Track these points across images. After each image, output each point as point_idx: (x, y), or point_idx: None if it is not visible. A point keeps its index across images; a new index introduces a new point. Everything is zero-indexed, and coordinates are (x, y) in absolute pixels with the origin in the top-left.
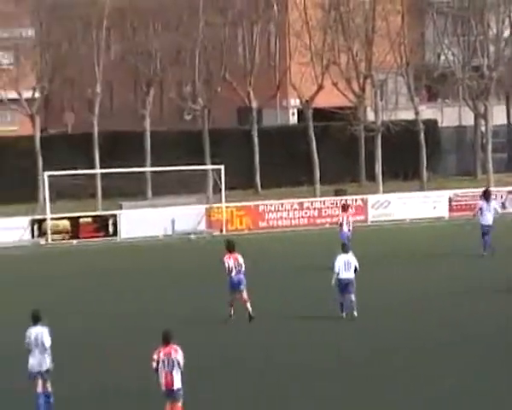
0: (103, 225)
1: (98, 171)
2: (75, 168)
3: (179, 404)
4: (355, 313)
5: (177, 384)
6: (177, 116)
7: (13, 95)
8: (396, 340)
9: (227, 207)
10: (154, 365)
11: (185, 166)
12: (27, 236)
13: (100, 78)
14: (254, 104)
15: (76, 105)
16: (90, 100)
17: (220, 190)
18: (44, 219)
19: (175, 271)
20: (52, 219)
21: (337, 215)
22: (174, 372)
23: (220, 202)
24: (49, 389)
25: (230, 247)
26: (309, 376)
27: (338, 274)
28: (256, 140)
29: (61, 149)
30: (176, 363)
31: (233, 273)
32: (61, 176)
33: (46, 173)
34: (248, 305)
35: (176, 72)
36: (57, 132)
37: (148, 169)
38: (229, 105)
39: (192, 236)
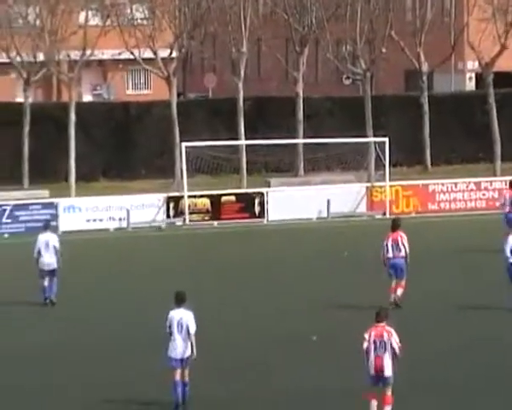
0: (248, 205)
1: (243, 142)
2: (216, 139)
3: (388, 393)
4: None
5: (387, 371)
6: (335, 80)
7: (148, 54)
8: None
9: (391, 186)
10: (365, 345)
11: (343, 138)
12: (162, 215)
13: (246, 35)
14: (425, 67)
15: (218, 66)
16: (234, 61)
17: (383, 166)
18: (181, 197)
19: (331, 257)
20: (190, 196)
21: None
22: (386, 356)
23: (383, 180)
24: (187, 378)
25: (394, 225)
26: None
27: None
28: (426, 109)
29: (200, 116)
30: (388, 347)
31: (390, 255)
32: (200, 147)
33: (183, 144)
34: (399, 291)
35: (334, 29)
36: (196, 97)
37: (300, 141)
38: (395, 68)
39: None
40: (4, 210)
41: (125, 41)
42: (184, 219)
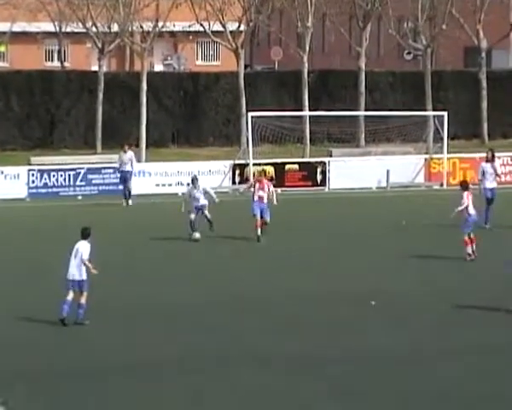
0: (311, 174)
1: (307, 113)
2: (281, 110)
3: None
4: None
5: None
6: (396, 55)
7: (217, 27)
8: None
9: (449, 158)
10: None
11: (403, 111)
12: (228, 181)
13: (312, 11)
14: (484, 44)
15: (284, 40)
16: (299, 35)
17: (442, 138)
18: (247, 165)
19: (390, 225)
20: (255, 164)
21: None
22: None
23: (441, 152)
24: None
25: (464, 185)
26: None
27: None
28: (484, 84)
29: (266, 87)
30: None
31: (470, 211)
32: (265, 117)
33: (250, 114)
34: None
35: (396, 6)
36: (263, 69)
37: (361, 113)
38: (454, 45)
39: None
40: (78, 173)
41: (196, 14)
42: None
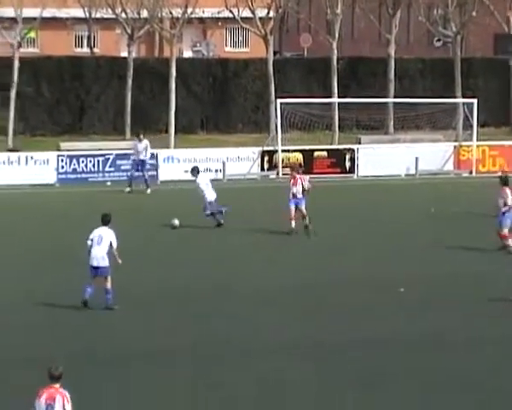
0: (339, 161)
1: (336, 100)
2: (310, 96)
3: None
4: None
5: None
6: (426, 43)
7: (246, 13)
8: None
9: (478, 145)
10: None
11: (432, 98)
12: (256, 168)
13: None
14: None
15: (313, 27)
16: (329, 22)
17: (471, 126)
18: (275, 151)
19: (419, 212)
20: (283, 151)
21: None
22: None
23: (471, 139)
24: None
25: (503, 181)
26: None
27: None
28: None
29: (295, 74)
30: None
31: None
32: (294, 104)
33: (279, 101)
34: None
35: None
36: (292, 56)
37: (390, 100)
38: (484, 31)
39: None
40: (107, 159)
41: (225, 0)
42: (278, 173)
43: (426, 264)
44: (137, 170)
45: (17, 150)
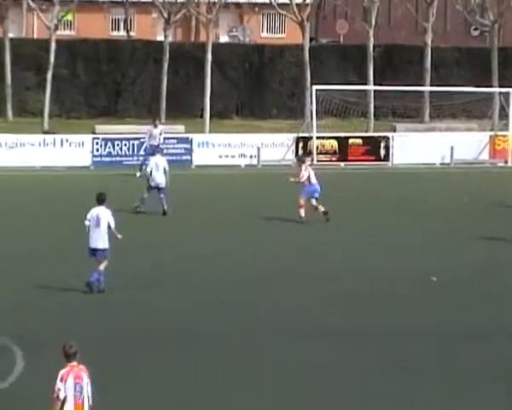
0: (374, 148)
1: (371, 87)
2: (346, 83)
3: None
4: None
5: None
6: (463, 32)
7: None
8: None
9: None
10: None
11: (469, 87)
12: (291, 154)
13: None
14: None
15: (350, 14)
16: (365, 9)
17: (507, 116)
18: (310, 138)
19: (452, 202)
20: (318, 137)
21: None
22: None
23: (506, 129)
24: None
25: None
26: None
27: None
28: None
29: (331, 61)
30: None
31: None
32: (330, 91)
33: (314, 87)
34: None
35: None
36: (328, 42)
37: (426, 89)
38: None
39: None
40: (142, 143)
41: None
42: (312, 160)
43: (457, 255)
44: (152, 154)
45: (53, 133)
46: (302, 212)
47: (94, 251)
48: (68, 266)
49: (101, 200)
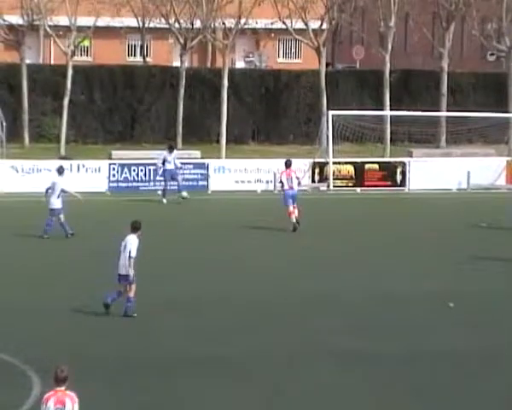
0: (391, 174)
1: (388, 113)
2: (362, 109)
3: None
4: None
5: None
6: (479, 57)
7: (299, 25)
8: None
9: None
10: None
11: (485, 112)
12: (307, 180)
13: (395, 10)
14: None
15: (366, 39)
16: (382, 34)
17: None
18: (326, 163)
19: (469, 227)
20: (335, 163)
21: None
22: None
23: None
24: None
25: None
26: None
27: None
28: None
29: (347, 86)
30: None
31: None
32: (346, 116)
33: (331, 112)
34: None
35: (480, 6)
36: (344, 68)
37: (443, 114)
38: None
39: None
40: (158, 168)
41: (278, 11)
42: (328, 185)
43: (474, 278)
44: (172, 179)
45: (69, 158)
46: (293, 217)
47: (118, 277)
48: (88, 289)
49: (133, 228)
